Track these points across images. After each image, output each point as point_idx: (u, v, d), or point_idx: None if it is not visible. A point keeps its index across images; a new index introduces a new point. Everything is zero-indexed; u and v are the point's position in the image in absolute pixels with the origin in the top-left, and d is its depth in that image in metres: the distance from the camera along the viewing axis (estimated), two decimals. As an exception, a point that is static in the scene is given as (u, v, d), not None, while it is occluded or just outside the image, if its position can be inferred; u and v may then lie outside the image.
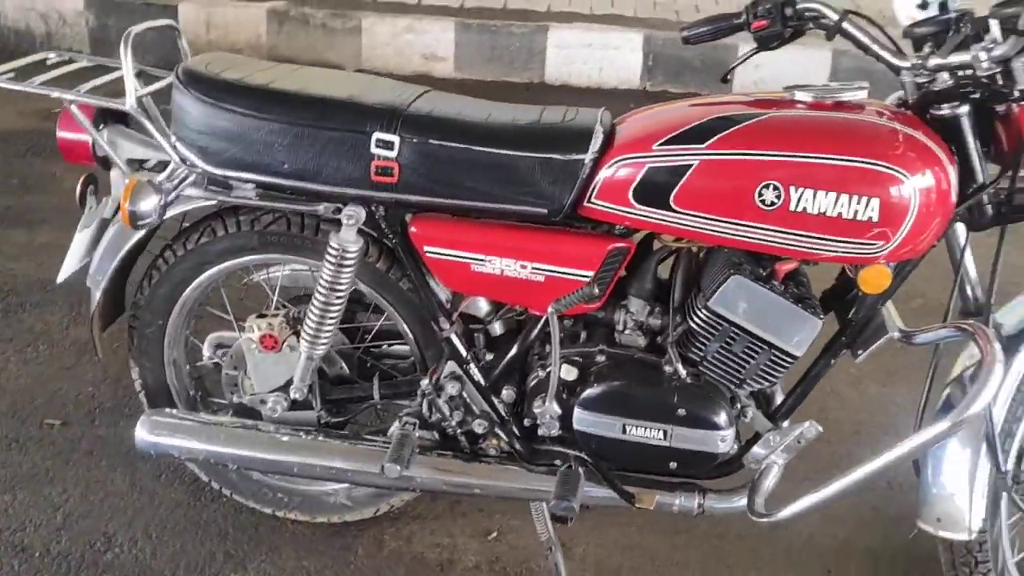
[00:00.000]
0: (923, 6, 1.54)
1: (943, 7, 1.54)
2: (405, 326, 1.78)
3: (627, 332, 1.68)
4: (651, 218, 1.53)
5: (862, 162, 1.45)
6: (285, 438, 1.75)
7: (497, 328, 1.75)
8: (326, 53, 4.90)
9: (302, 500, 1.99)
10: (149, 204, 1.56)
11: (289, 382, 1.79)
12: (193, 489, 2.11)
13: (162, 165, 1.74)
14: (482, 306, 1.73)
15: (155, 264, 1.81)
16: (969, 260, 1.64)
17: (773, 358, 1.58)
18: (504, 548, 2.01)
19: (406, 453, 1.67)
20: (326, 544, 1.99)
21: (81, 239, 1.77)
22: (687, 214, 1.51)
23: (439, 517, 2.08)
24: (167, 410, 1.84)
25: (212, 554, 1.95)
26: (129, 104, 1.60)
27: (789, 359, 1.59)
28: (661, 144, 1.51)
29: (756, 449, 1.66)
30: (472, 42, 4.87)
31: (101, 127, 1.71)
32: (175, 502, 2.09)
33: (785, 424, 1.69)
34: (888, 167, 1.44)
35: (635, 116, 1.64)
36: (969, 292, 1.68)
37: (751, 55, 1.79)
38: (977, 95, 1.51)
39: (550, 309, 1.58)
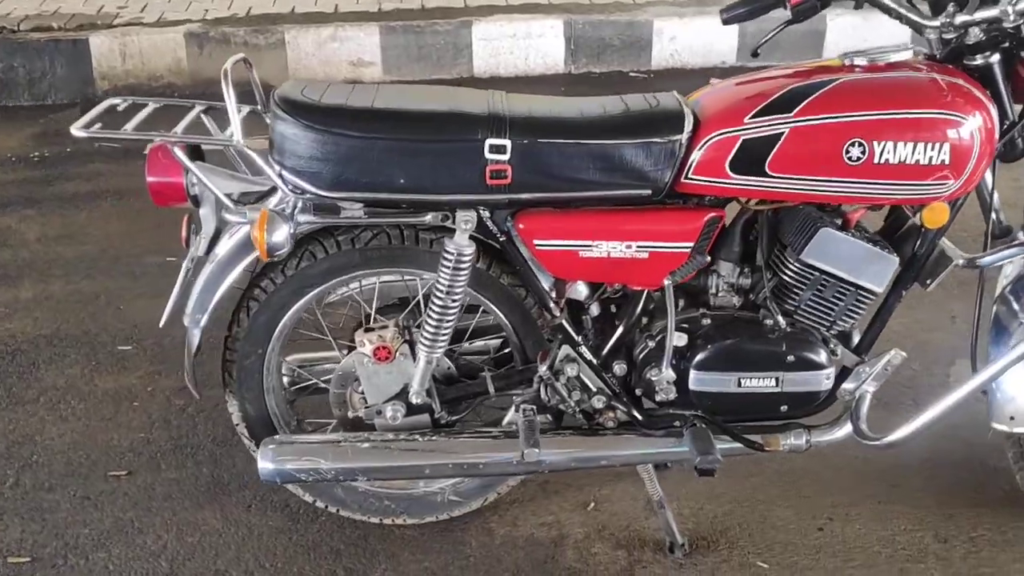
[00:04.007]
0: None
1: None
2: (505, 319, 1.86)
3: (721, 294, 1.82)
4: (748, 186, 1.67)
5: (931, 113, 1.63)
6: (415, 443, 1.80)
7: (595, 309, 1.86)
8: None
9: (410, 503, 2.04)
10: (282, 234, 1.59)
11: (403, 390, 1.84)
12: (289, 513, 2.13)
13: (247, 196, 1.76)
14: (582, 290, 1.83)
15: (251, 295, 1.82)
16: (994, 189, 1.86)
17: (859, 298, 1.76)
18: (606, 516, 2.13)
19: (535, 437, 1.76)
20: (439, 542, 2.05)
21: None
22: (782, 178, 1.65)
23: (534, 498, 2.18)
24: (285, 436, 1.87)
25: (332, 572, 1.98)
26: (235, 139, 1.62)
27: (872, 297, 1.77)
28: (752, 117, 1.65)
29: (847, 383, 1.84)
30: (398, 44, 4.90)
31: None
32: (275, 529, 2.10)
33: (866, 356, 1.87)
34: (953, 114, 1.63)
35: (709, 96, 1.77)
36: (994, 216, 1.90)
37: (781, 29, 1.95)
38: (1007, 44, 1.71)
39: (666, 282, 1.70)
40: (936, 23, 1.72)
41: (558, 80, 5.07)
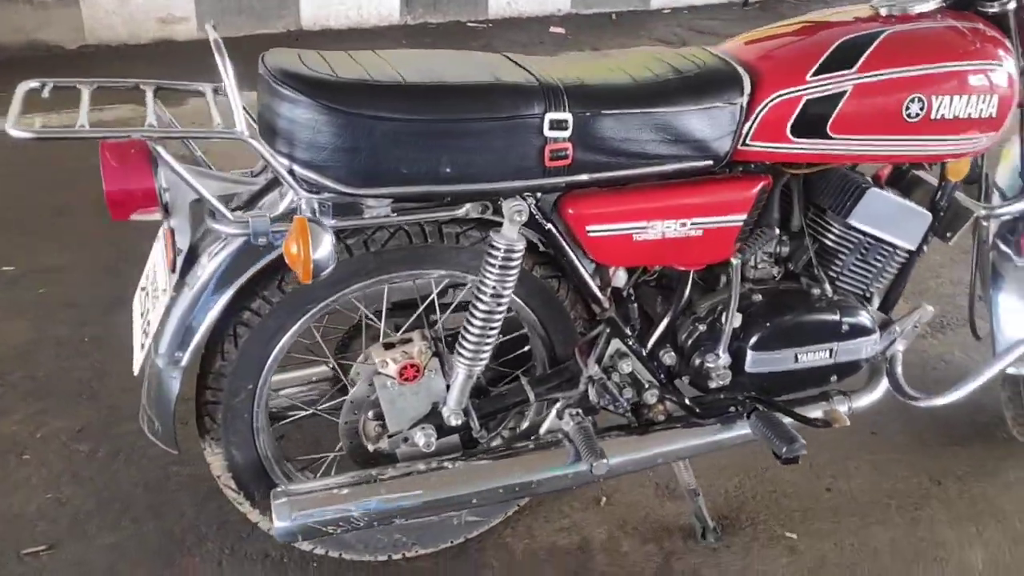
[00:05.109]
0: None
1: None
2: (534, 316, 1.64)
3: (760, 266, 1.70)
4: (810, 149, 1.54)
5: (979, 64, 1.57)
6: (455, 470, 1.55)
7: (633, 296, 1.68)
8: (39, 33, 4.09)
9: (421, 533, 1.79)
10: (327, 248, 1.26)
11: (432, 411, 1.58)
12: (272, 564, 1.81)
13: (226, 200, 1.41)
14: (622, 276, 1.65)
15: (240, 320, 1.47)
16: None
17: (897, 258, 1.71)
18: (622, 509, 1.98)
19: (597, 445, 1.57)
20: (457, 571, 1.82)
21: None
22: (843, 139, 1.54)
23: (542, 502, 1.99)
24: (296, 484, 1.55)
25: (345, 626, 1.71)
26: (239, 131, 1.26)
27: (907, 255, 1.73)
28: (813, 74, 1.51)
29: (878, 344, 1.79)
30: (215, -4, 4.35)
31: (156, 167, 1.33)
32: (262, 586, 1.77)
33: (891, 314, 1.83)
34: (996, 64, 1.58)
35: (743, 51, 1.61)
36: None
37: None
38: None
39: (735, 261, 1.55)
40: None
41: (395, 32, 4.74)
